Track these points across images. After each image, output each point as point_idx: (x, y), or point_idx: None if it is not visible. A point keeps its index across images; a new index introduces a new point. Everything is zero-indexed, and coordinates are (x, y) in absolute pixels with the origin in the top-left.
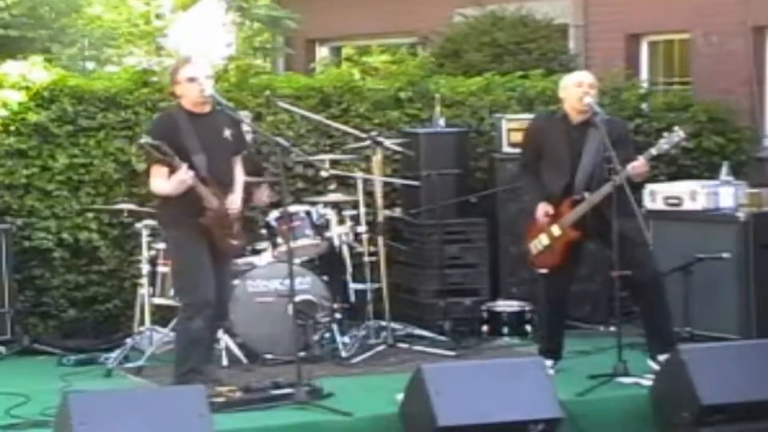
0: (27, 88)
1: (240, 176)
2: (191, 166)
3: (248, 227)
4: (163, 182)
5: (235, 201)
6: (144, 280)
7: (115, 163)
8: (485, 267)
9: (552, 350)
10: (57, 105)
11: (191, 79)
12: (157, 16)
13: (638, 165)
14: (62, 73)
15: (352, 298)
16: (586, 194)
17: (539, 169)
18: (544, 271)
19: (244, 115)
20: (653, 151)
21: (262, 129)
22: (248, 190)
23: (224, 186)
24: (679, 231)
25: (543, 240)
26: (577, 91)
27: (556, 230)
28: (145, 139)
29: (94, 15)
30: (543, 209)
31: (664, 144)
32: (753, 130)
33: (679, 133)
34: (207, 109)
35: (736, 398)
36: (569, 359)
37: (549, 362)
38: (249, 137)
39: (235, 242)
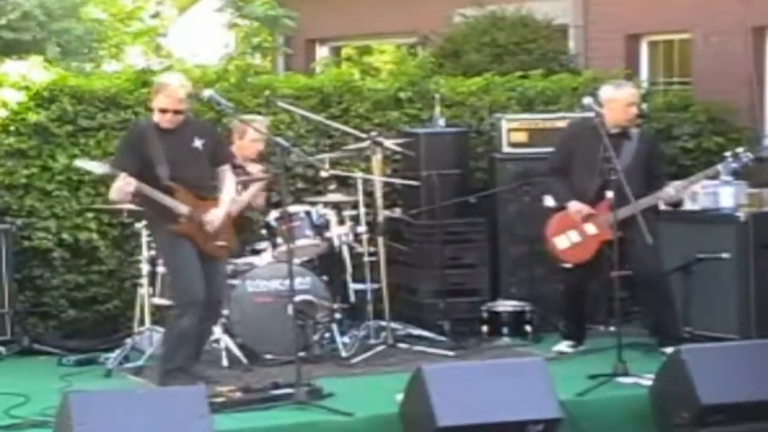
0: (27, 88)
1: (229, 189)
2: (154, 176)
3: (248, 227)
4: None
5: (216, 215)
6: (144, 280)
7: None
8: (485, 267)
9: (574, 335)
10: (57, 105)
11: (162, 111)
12: (154, 16)
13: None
14: (62, 73)
15: (352, 298)
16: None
17: (568, 171)
18: (567, 265)
19: (260, 120)
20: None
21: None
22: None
23: (202, 191)
24: (679, 231)
25: (573, 236)
26: (628, 110)
27: (591, 228)
28: (78, 162)
29: (93, 18)
30: (578, 207)
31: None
32: (753, 130)
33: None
34: (175, 125)
35: (736, 398)
36: (569, 359)
37: (568, 343)
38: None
39: (222, 243)
